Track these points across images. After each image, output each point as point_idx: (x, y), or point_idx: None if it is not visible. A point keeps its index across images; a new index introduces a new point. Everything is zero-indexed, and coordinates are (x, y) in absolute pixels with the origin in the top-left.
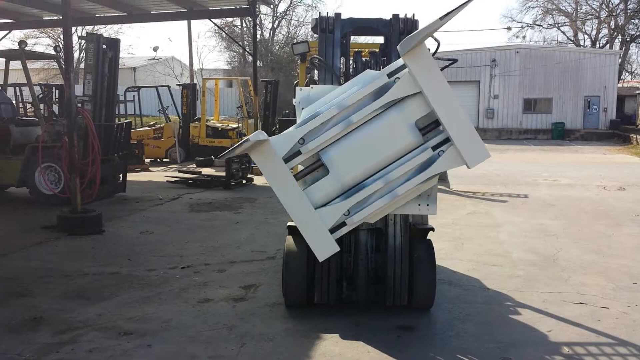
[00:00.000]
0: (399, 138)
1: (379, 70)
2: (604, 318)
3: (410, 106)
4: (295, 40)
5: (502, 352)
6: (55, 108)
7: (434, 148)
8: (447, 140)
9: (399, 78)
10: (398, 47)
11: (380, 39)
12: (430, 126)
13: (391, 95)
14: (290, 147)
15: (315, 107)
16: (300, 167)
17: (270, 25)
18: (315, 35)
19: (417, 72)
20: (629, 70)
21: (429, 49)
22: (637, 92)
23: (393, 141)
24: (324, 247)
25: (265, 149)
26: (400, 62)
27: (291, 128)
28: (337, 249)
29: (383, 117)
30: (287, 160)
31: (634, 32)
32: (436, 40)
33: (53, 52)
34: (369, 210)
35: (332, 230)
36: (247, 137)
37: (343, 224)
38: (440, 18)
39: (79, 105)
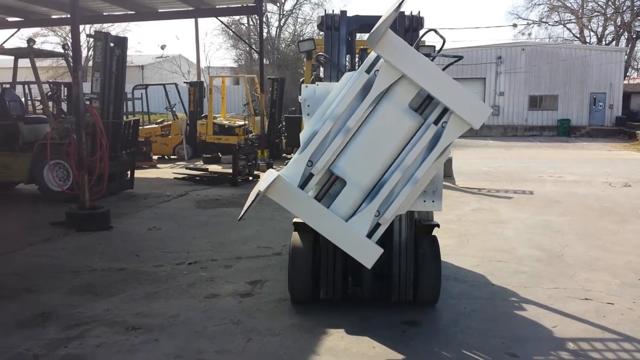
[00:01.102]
0: (399, 125)
1: None
2: (609, 314)
3: (398, 92)
4: (301, 38)
5: (507, 348)
6: (64, 106)
7: (436, 122)
8: (445, 110)
9: (377, 70)
10: (367, 43)
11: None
12: (424, 103)
13: (376, 89)
14: (301, 173)
15: (315, 119)
16: (317, 187)
17: (276, 23)
18: (321, 32)
19: (392, 59)
20: (635, 67)
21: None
22: None
23: (395, 131)
24: (368, 254)
25: (279, 186)
26: (373, 55)
27: (295, 154)
28: (381, 250)
29: (377, 112)
30: (303, 186)
31: None
32: (442, 37)
33: (61, 50)
34: (397, 203)
35: (370, 234)
36: (258, 190)
37: (377, 225)
38: (395, 10)
39: (87, 102)
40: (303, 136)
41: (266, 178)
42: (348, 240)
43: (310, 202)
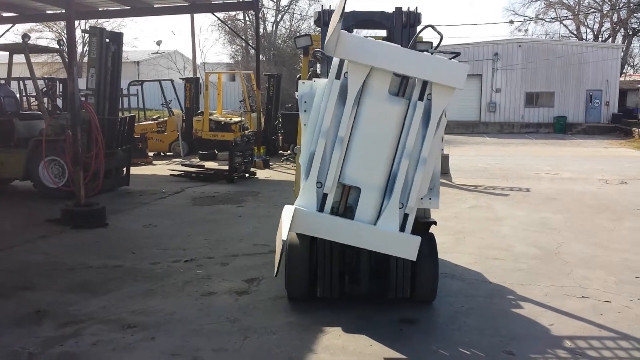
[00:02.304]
0: (388, 115)
1: None
2: (606, 312)
3: (374, 84)
4: (297, 34)
5: (505, 346)
6: (59, 102)
7: (421, 98)
8: (424, 83)
9: (346, 72)
10: (325, 52)
11: (383, 32)
12: (402, 85)
13: (352, 90)
14: (315, 197)
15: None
16: (335, 203)
17: (272, 19)
18: (317, 28)
19: (355, 57)
20: (631, 64)
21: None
22: (639, 85)
23: (386, 121)
24: (409, 247)
25: (301, 218)
26: (337, 60)
27: (302, 182)
28: (419, 238)
29: (363, 111)
30: (321, 209)
31: (636, 26)
32: (439, 33)
33: (56, 46)
34: (415, 188)
35: (402, 228)
36: (282, 240)
37: (405, 215)
38: (340, 16)
39: (83, 99)
40: (302, 161)
41: (285, 217)
42: (385, 242)
43: (335, 221)
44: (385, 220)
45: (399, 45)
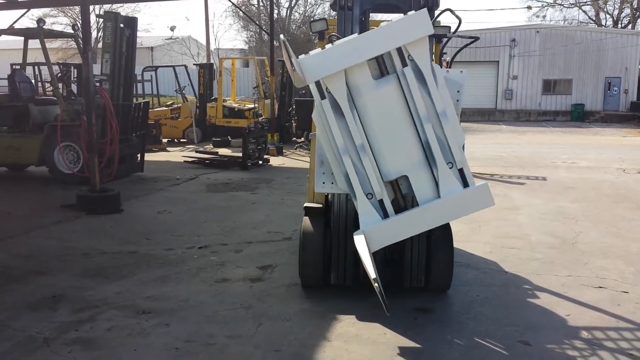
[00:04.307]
0: (387, 99)
1: None
2: (624, 302)
3: (356, 81)
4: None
5: (520, 336)
6: (74, 87)
7: (403, 64)
8: (399, 50)
9: (327, 87)
10: (297, 85)
11: (400, 17)
12: (381, 64)
13: (341, 99)
14: (374, 208)
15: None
16: (391, 200)
17: (287, 4)
18: (333, 12)
19: (324, 72)
20: None
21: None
22: None
23: (388, 105)
24: (481, 198)
25: (374, 234)
26: (312, 86)
27: (356, 203)
28: (486, 184)
29: (362, 109)
30: (385, 214)
31: None
32: (457, 17)
33: (71, 31)
34: (452, 143)
35: (465, 184)
36: (373, 278)
37: (461, 171)
38: (285, 49)
39: (97, 84)
40: (342, 184)
41: (360, 249)
42: (458, 206)
43: (405, 216)
44: (445, 186)
45: (354, 34)
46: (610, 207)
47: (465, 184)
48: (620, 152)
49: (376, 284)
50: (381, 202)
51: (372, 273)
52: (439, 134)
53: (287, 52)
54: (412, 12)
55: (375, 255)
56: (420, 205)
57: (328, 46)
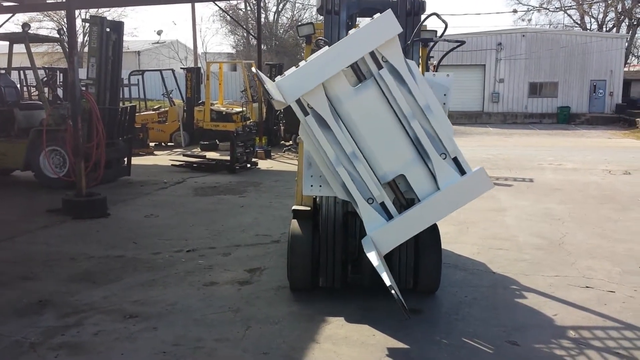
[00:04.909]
0: (368, 103)
1: None
2: (610, 302)
3: (336, 92)
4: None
5: (508, 336)
6: (60, 92)
7: (379, 66)
8: (372, 54)
9: (308, 104)
10: (278, 107)
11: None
12: (358, 72)
13: (324, 112)
14: (377, 212)
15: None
16: (393, 200)
17: (274, 9)
18: (320, 17)
19: (302, 89)
20: (635, 54)
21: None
22: None
23: (372, 109)
24: (480, 183)
25: (382, 238)
26: (293, 105)
27: (358, 210)
28: (481, 169)
29: (347, 118)
30: (389, 217)
31: None
32: (444, 21)
33: (57, 36)
34: (442, 135)
35: (461, 172)
36: (389, 285)
37: (455, 159)
38: (266, 82)
39: (83, 88)
40: (341, 194)
41: (372, 258)
42: (459, 194)
43: (409, 214)
44: (443, 178)
45: (325, 47)
46: (597, 208)
47: (462, 172)
48: (606, 154)
49: (393, 291)
50: (383, 204)
51: (387, 280)
52: (427, 127)
53: (260, 81)
54: (377, 14)
55: (365, 258)
56: (422, 201)
57: (302, 63)
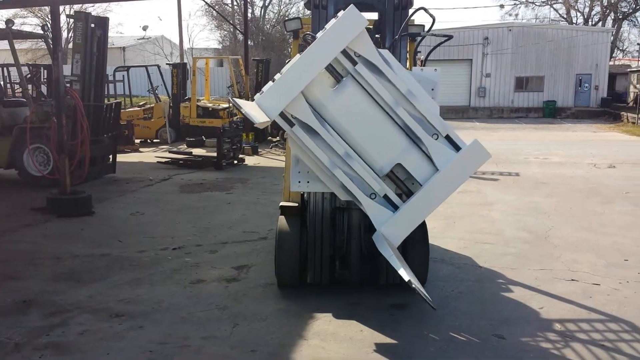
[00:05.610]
0: (350, 101)
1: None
2: (596, 295)
3: (316, 97)
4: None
5: (495, 329)
6: (44, 88)
7: (353, 62)
8: (344, 52)
9: (291, 114)
10: (260, 127)
11: (375, 15)
12: (334, 73)
13: (309, 119)
14: (382, 205)
15: None
16: (395, 189)
17: (261, 4)
18: (308, 11)
19: (282, 103)
20: (621, 48)
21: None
22: (629, 70)
23: (356, 107)
24: (477, 155)
25: (393, 230)
26: (277, 119)
27: (361, 205)
28: (475, 141)
29: (333, 120)
30: (395, 208)
31: (626, 10)
32: (431, 16)
33: (41, 32)
34: (429, 116)
35: (456, 148)
36: (408, 279)
37: (448, 137)
38: (245, 107)
39: (68, 85)
40: (342, 195)
41: (385, 253)
42: (457, 171)
43: (414, 200)
44: (439, 158)
45: (296, 55)
46: (582, 202)
47: (457, 148)
48: (592, 148)
49: (413, 285)
50: (386, 197)
51: (405, 275)
52: (413, 112)
53: (237, 107)
54: (341, 11)
55: (352, 253)
56: (424, 185)
57: (277, 76)
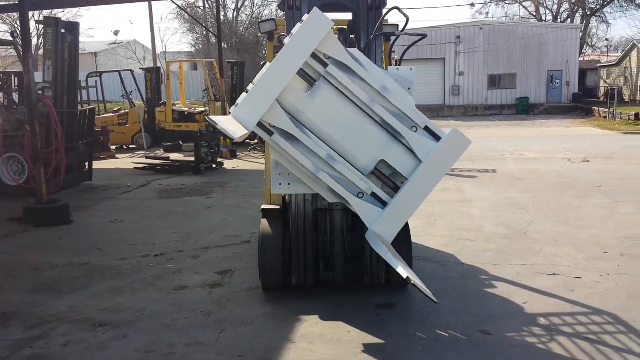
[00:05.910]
0: (326, 103)
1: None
2: (577, 288)
3: (291, 103)
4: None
5: (480, 325)
6: (15, 96)
7: (323, 64)
8: (313, 55)
9: (269, 124)
10: (250, 130)
11: (348, 15)
12: (305, 75)
13: (287, 126)
14: (370, 203)
15: None
16: (385, 188)
17: (233, 6)
18: (281, 13)
19: (258, 113)
20: (590, 43)
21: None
22: (598, 65)
23: (332, 109)
24: (457, 143)
25: (385, 226)
26: (256, 129)
27: (352, 208)
28: (453, 129)
29: (311, 124)
30: (383, 204)
31: (594, 6)
32: (405, 15)
33: (10, 38)
34: (404, 108)
35: (436, 138)
36: (407, 275)
37: (427, 128)
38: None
39: (39, 92)
40: (329, 197)
41: (381, 252)
42: (440, 160)
43: (401, 195)
44: (420, 150)
45: (266, 64)
46: (558, 196)
47: (437, 138)
48: (565, 142)
49: (412, 282)
50: (373, 194)
51: (403, 272)
52: (389, 107)
53: (213, 124)
54: (305, 15)
55: (336, 254)
56: (410, 178)
57: (250, 86)
